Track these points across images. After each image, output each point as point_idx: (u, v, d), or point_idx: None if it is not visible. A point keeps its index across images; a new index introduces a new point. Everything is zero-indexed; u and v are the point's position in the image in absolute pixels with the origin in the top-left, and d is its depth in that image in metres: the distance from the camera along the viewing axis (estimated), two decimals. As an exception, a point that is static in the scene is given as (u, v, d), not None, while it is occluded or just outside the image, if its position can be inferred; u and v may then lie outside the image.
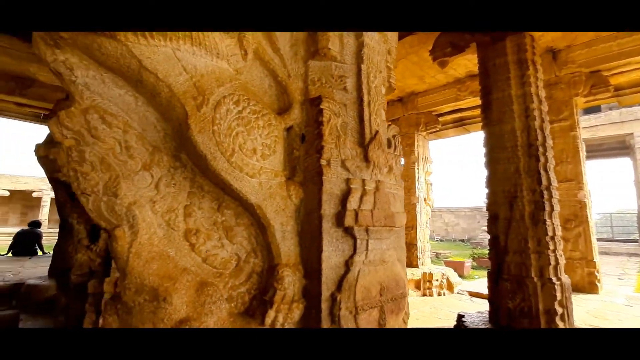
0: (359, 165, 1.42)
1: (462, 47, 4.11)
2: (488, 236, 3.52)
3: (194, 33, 1.09)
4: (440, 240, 18.71)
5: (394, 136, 1.71)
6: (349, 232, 1.33)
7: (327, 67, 1.48)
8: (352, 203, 1.34)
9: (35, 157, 3.82)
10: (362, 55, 1.56)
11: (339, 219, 1.31)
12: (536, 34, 3.86)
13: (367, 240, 1.37)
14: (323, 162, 1.34)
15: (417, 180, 5.80)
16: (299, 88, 1.46)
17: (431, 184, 6.03)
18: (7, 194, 15.61)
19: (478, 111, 6.22)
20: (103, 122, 1.04)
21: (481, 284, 5.73)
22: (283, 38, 1.46)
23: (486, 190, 3.63)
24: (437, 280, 5.22)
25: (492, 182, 3.50)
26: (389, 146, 1.64)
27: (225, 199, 1.26)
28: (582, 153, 4.99)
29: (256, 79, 1.39)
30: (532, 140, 3.27)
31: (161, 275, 1.07)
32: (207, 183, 1.21)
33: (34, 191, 16.04)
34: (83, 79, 1.01)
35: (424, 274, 5.20)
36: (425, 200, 5.84)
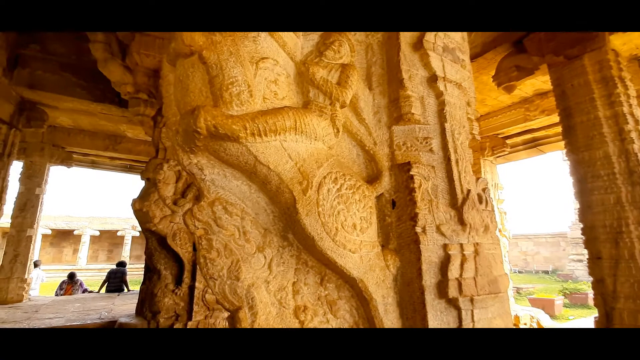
0: (455, 229, 1.38)
1: (530, 70, 3.89)
2: (578, 266, 3.09)
3: (297, 123, 1.20)
4: (519, 272, 16.71)
5: (483, 190, 1.64)
6: (452, 303, 1.28)
7: (411, 131, 1.51)
8: (453, 271, 1.29)
9: (132, 210, 4.34)
10: (444, 114, 1.56)
11: (441, 289, 1.27)
12: (618, 46, 3.51)
13: (472, 311, 1.30)
14: (418, 229, 1.32)
15: (488, 208, 5.39)
16: (386, 154, 1.49)
17: (505, 213, 5.55)
18: (98, 233, 17.95)
19: (552, 130, 5.71)
20: (226, 212, 1.17)
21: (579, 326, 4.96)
22: (367, 107, 1.53)
23: (580, 225, 3.24)
24: (524, 324, 4.65)
25: (587, 215, 3.12)
26: (480, 201, 1.58)
27: (327, 272, 1.30)
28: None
29: (345, 150, 1.46)
30: (634, 166, 2.88)
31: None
32: (310, 258, 1.28)
33: (118, 230, 18.21)
34: (210, 176, 1.17)
35: (508, 314, 4.64)
36: (500, 231, 5.38)
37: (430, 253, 1.31)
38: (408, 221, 1.36)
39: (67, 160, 7.87)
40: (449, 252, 1.33)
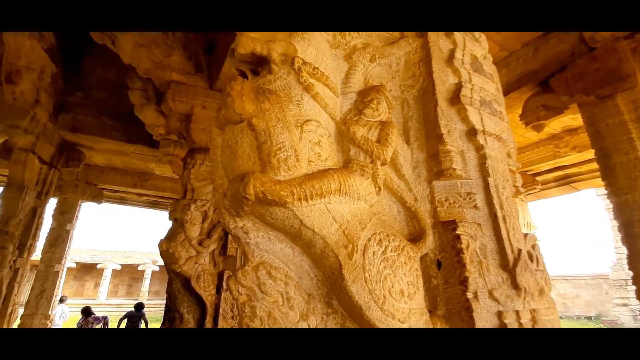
0: (509, 294, 1.29)
1: (559, 109, 3.83)
2: (624, 311, 2.79)
3: (342, 185, 1.19)
4: (560, 318, 15.41)
5: (533, 246, 1.54)
6: (514, 380, 1.15)
7: (453, 186, 1.47)
8: (512, 343, 1.18)
9: (159, 251, 4.38)
10: (486, 167, 1.52)
11: (501, 364, 1.15)
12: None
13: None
14: (469, 295, 1.24)
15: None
16: (427, 210, 1.45)
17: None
18: (119, 267, 18.19)
19: (585, 167, 5.50)
20: (270, 277, 1.15)
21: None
22: (406, 162, 1.52)
23: (623, 265, 2.98)
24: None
25: (638, 262, 2.88)
26: (532, 260, 1.48)
27: (373, 341, 1.22)
28: None
29: (385, 207, 1.43)
30: (686, 211, 2.68)
31: None
32: (356, 327, 1.21)
33: (139, 265, 18.41)
34: (255, 239, 1.16)
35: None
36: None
37: (484, 322, 1.21)
38: (457, 285, 1.28)
39: (98, 196, 8.21)
40: (505, 321, 1.23)
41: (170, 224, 4.38)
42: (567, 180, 5.71)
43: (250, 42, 1.29)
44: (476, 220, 1.40)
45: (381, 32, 1.75)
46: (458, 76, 1.67)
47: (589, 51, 3.50)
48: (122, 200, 9.25)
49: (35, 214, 5.62)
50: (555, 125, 5.09)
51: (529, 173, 5.62)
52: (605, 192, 3.31)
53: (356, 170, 1.30)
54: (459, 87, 1.62)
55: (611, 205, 3.31)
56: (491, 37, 3.75)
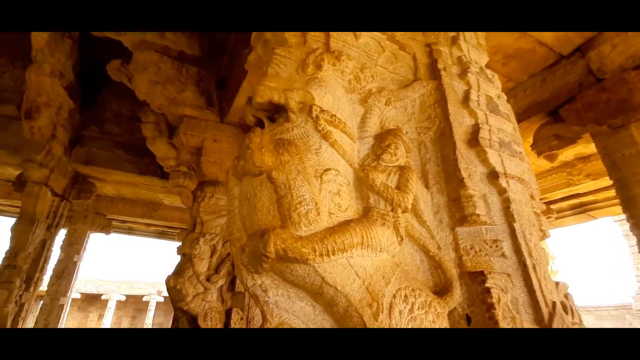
0: (547, 353, 1.18)
1: (571, 139, 3.79)
2: None
3: (364, 238, 1.14)
4: None
5: (566, 296, 1.45)
6: None
7: (477, 233, 1.41)
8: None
9: (166, 287, 4.28)
10: (510, 212, 1.46)
11: None
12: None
13: None
14: (505, 356, 1.14)
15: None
16: (452, 259, 1.38)
17: (561, 287, 4.99)
18: (124, 298, 17.84)
19: (602, 195, 5.36)
20: (289, 340, 1.08)
21: None
22: (426, 208, 1.47)
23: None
24: None
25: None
26: (566, 312, 1.38)
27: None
28: None
29: (408, 256, 1.37)
30: None
31: None
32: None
33: (144, 295, 18.04)
34: (274, 298, 1.10)
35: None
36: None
37: (523, 388, 1.10)
38: (490, 344, 1.18)
39: (107, 227, 8.22)
40: (546, 387, 1.12)
41: (178, 258, 4.32)
42: (583, 208, 5.56)
43: (268, 91, 1.30)
44: (505, 270, 1.33)
45: (395, 75, 1.77)
46: (475, 117, 1.65)
47: (597, 82, 3.51)
48: (130, 231, 9.24)
49: (44, 247, 5.61)
50: (568, 153, 5.02)
51: (543, 201, 5.48)
52: (622, 218, 3.19)
53: (377, 220, 1.26)
54: (476, 129, 1.60)
55: (629, 232, 3.17)
56: (497, 70, 3.80)
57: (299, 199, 1.09)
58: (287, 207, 1.08)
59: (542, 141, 4.02)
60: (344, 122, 1.38)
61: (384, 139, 1.49)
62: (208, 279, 4.04)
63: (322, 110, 1.32)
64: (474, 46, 1.99)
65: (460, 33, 1.94)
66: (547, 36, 3.45)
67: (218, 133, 4.54)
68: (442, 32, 1.91)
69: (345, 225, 1.14)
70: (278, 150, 1.16)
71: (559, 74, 3.85)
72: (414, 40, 1.86)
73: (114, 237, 8.97)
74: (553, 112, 3.98)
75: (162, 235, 9.75)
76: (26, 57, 5.52)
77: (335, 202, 1.19)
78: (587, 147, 4.48)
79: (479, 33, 2.10)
